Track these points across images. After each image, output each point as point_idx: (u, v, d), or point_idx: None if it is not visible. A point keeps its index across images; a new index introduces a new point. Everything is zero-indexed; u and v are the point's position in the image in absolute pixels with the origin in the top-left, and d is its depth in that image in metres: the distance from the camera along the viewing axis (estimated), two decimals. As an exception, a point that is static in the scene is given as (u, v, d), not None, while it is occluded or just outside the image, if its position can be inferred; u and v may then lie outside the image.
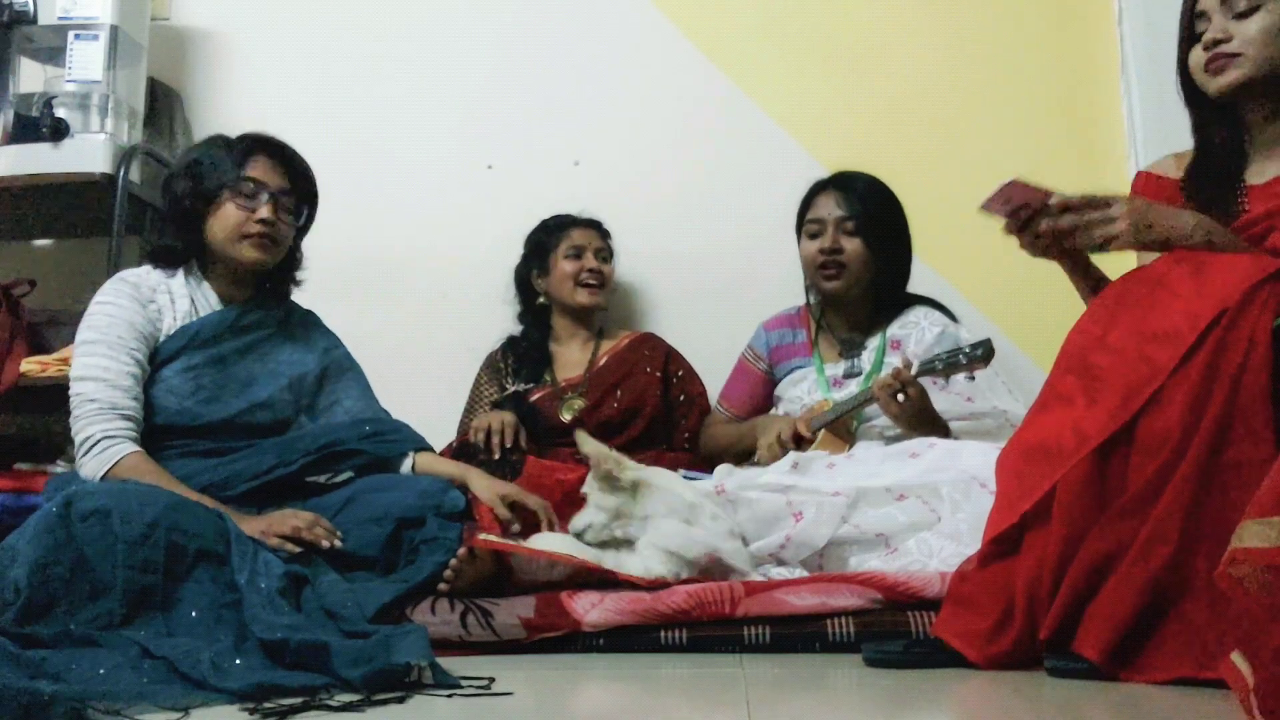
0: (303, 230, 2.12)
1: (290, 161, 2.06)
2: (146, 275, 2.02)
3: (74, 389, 1.89)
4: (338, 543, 1.78)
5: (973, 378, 2.10)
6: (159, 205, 2.67)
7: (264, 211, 1.99)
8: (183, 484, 1.80)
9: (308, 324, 2.19)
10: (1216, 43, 1.63)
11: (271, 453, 1.96)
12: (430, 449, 2.13)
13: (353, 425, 2.07)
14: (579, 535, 1.84)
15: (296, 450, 1.97)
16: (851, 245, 2.34)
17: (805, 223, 2.41)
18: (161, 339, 1.97)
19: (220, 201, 1.98)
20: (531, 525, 1.97)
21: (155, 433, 1.92)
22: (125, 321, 1.93)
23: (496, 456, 2.32)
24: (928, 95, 2.86)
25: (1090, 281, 1.73)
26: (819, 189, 2.42)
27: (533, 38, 3.01)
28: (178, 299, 2.01)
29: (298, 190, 2.07)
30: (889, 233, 2.38)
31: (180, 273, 2.04)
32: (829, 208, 2.37)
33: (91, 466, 1.82)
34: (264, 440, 1.99)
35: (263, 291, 2.11)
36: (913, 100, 2.87)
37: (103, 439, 1.83)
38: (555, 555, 1.77)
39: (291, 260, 2.14)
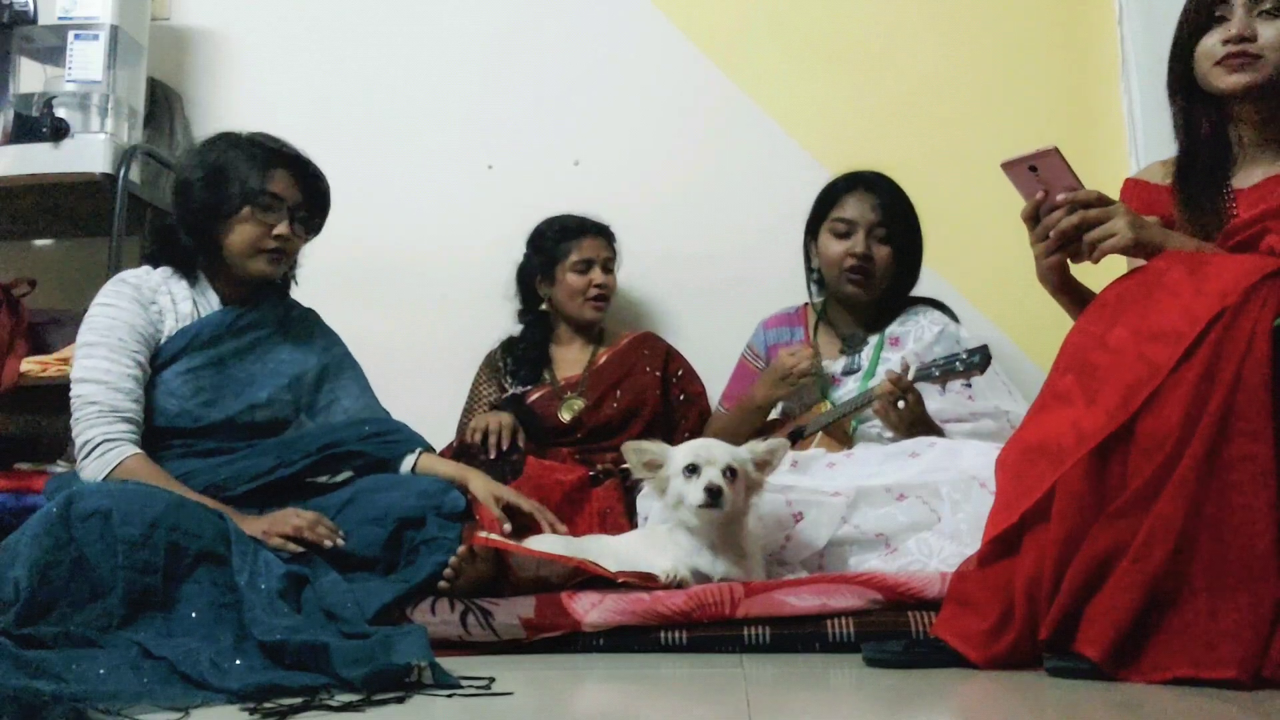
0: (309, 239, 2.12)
1: (309, 176, 2.06)
2: (147, 276, 2.01)
3: (74, 391, 1.88)
4: (340, 542, 1.78)
5: (969, 384, 2.10)
6: (160, 205, 2.69)
7: (281, 228, 1.99)
8: (183, 485, 1.80)
9: (307, 322, 2.18)
10: (1241, 39, 1.60)
11: (272, 453, 1.96)
12: (430, 449, 2.13)
13: (353, 426, 2.07)
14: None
15: (297, 451, 1.97)
16: (881, 253, 2.33)
17: (830, 220, 2.37)
18: (163, 341, 1.96)
19: (240, 213, 1.97)
20: (527, 528, 1.96)
21: (155, 435, 1.91)
22: (126, 324, 1.92)
23: (493, 456, 2.32)
24: (928, 96, 2.86)
25: (1073, 299, 1.69)
26: (848, 188, 2.38)
27: (533, 38, 3.01)
28: (179, 301, 2.00)
29: (312, 205, 2.07)
30: (912, 239, 2.38)
31: (181, 274, 2.03)
32: (862, 210, 2.34)
33: (92, 470, 1.81)
34: (264, 441, 1.99)
35: (262, 292, 2.11)
36: (913, 101, 2.87)
37: (103, 442, 1.82)
38: (554, 555, 1.77)
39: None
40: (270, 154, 2.00)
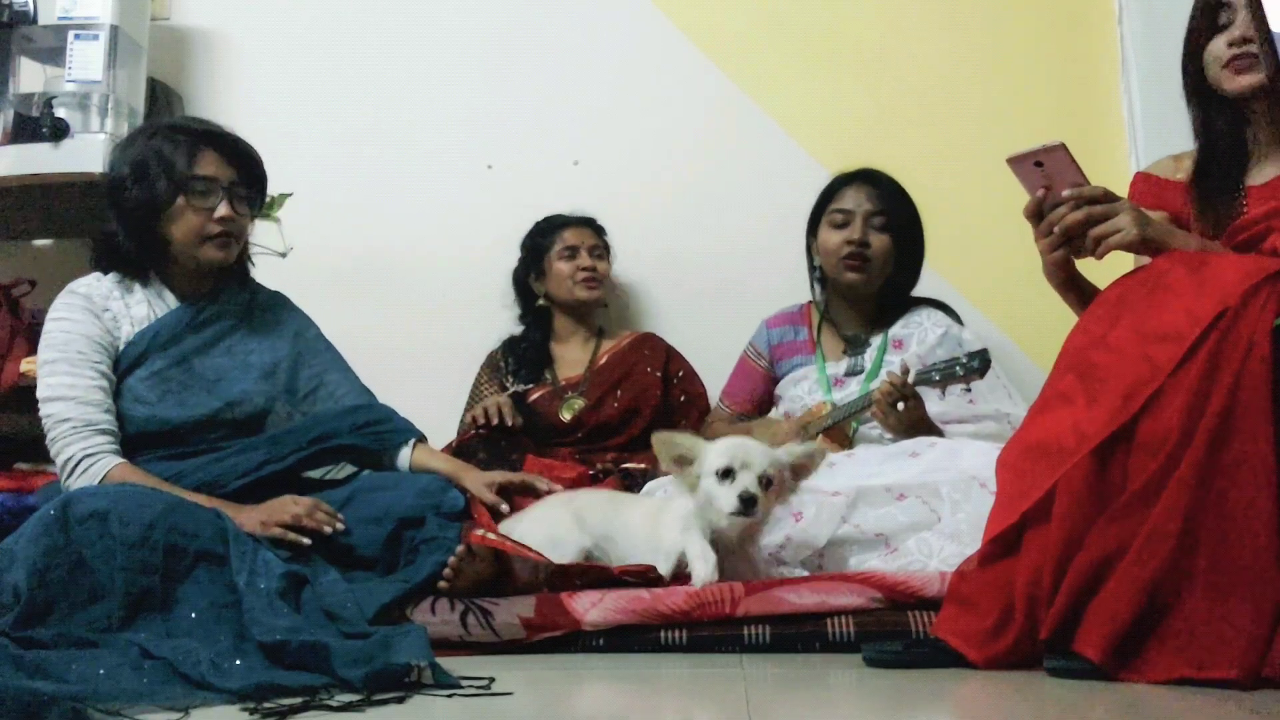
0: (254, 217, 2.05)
1: (238, 151, 1.98)
2: (97, 284, 1.96)
3: (44, 410, 1.85)
4: (339, 526, 1.77)
5: (969, 389, 2.10)
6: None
7: (222, 210, 1.92)
8: (175, 486, 1.78)
9: (274, 308, 2.12)
10: (1244, 40, 1.60)
11: (261, 449, 1.93)
12: (423, 438, 2.12)
13: (343, 416, 2.04)
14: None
15: (286, 445, 1.95)
16: (879, 241, 2.35)
17: (829, 212, 2.39)
18: (121, 347, 1.92)
19: (175, 204, 1.90)
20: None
21: (131, 444, 1.87)
22: (82, 335, 1.88)
23: (495, 423, 2.38)
24: (928, 96, 2.87)
25: (1078, 295, 1.69)
26: (846, 181, 2.42)
27: (533, 38, 3.01)
28: (133, 305, 1.95)
29: (247, 179, 1.99)
30: (911, 233, 2.39)
31: (131, 277, 1.98)
32: (858, 200, 2.37)
33: (79, 486, 1.77)
34: (251, 437, 1.96)
35: (221, 283, 2.04)
36: (913, 101, 2.87)
37: (85, 457, 1.80)
38: (551, 561, 1.76)
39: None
40: (194, 136, 1.93)
